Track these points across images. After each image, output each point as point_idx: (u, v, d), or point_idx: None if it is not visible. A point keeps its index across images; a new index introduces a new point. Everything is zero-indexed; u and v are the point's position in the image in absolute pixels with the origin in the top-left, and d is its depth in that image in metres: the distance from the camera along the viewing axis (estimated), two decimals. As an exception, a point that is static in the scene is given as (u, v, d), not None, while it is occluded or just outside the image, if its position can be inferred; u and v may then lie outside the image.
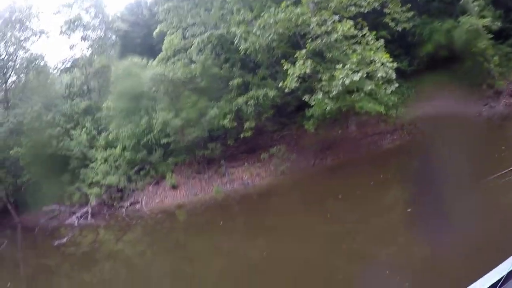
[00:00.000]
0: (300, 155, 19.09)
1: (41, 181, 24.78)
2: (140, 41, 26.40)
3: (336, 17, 15.92)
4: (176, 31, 21.17)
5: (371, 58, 15.47)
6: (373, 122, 20.00)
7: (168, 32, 21.24)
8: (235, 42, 18.28)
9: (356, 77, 14.82)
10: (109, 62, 24.97)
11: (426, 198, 9.95)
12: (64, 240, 19.00)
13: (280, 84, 16.77)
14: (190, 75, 19.48)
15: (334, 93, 15.36)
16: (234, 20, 18.73)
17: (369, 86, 15.41)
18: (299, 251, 9.51)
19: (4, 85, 32.90)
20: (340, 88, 15.11)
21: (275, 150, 18.59)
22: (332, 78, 15.67)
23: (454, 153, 12.79)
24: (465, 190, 9.63)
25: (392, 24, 17.80)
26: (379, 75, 15.20)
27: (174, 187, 19.53)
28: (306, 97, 16.81)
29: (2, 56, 32.71)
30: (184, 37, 21.54)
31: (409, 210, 9.74)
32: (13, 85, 33.02)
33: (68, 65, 30.14)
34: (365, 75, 15.19)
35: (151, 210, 19.13)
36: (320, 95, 16.13)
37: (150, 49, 24.60)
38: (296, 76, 15.88)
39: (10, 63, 32.83)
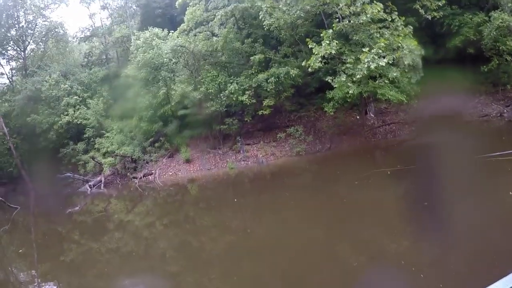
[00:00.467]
0: (317, 138, 18.68)
1: (56, 149, 24.73)
2: (161, 11, 25.80)
3: None
4: (199, 2, 20.62)
5: (399, 44, 14.79)
6: (392, 110, 19.50)
7: (191, 3, 20.67)
8: (260, 17, 17.66)
9: (382, 62, 14.20)
10: (129, 32, 24.49)
11: (442, 193, 9.47)
12: (76, 208, 18.82)
13: (303, 63, 16.13)
14: (211, 49, 18.96)
15: (358, 76, 14.74)
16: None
17: (394, 73, 14.77)
18: (307, 233, 9.12)
19: (23, 53, 32.78)
20: (365, 72, 14.49)
21: (292, 130, 18.11)
22: (357, 61, 15.02)
23: (469, 149, 12.24)
24: (480, 193, 9.14)
25: (421, 11, 17.01)
26: (406, 62, 14.65)
27: (188, 160, 19.14)
28: (329, 79, 16.16)
29: (21, 24, 32.58)
30: (206, 10, 21.01)
31: (425, 203, 9.21)
32: (31, 53, 32.88)
33: (88, 34, 29.68)
34: (391, 61, 14.56)
35: (163, 183, 18.80)
36: (343, 78, 15.42)
37: (170, 20, 24.17)
38: (320, 56, 15.24)
39: (29, 31, 32.68)
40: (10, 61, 34.32)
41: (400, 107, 18.33)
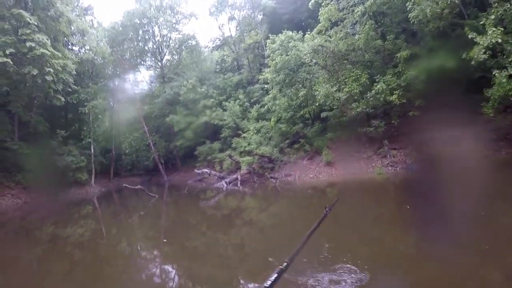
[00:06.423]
0: (471, 144, 14.92)
1: (192, 147, 24.76)
2: (288, 17, 24.04)
3: None
4: (330, 1, 18.32)
5: None
6: None
7: (323, 3, 18.47)
8: (408, 8, 14.79)
9: None
10: (260, 38, 23.32)
11: None
12: (210, 202, 17.74)
13: (464, 56, 12.86)
14: (352, 47, 16.47)
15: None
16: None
17: None
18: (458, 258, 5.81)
19: (160, 62, 34.36)
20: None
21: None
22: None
23: None
24: None
25: None
26: None
27: (329, 163, 16.87)
28: (496, 72, 12.70)
29: (157, 38, 34.15)
30: (339, 9, 18.62)
31: None
32: (167, 63, 34.25)
33: (218, 43, 29.55)
34: None
35: (302, 185, 16.83)
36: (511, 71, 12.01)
37: (297, 26, 22.19)
38: (484, 47, 12.13)
39: (164, 43, 34.11)
40: (148, 70, 36.55)
41: None
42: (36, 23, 19.47)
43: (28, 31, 19.07)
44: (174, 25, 33.31)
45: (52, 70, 19.99)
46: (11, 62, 18.21)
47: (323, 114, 16.84)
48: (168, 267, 7.99)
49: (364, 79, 15.64)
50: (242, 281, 6.58)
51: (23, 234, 13.00)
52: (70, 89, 23.52)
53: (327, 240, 7.55)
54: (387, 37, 16.65)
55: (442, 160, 14.87)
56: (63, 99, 22.71)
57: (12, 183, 20.10)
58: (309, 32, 18.09)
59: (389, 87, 15.02)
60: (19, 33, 19.10)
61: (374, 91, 15.06)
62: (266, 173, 18.07)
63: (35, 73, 19.20)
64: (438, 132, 15.40)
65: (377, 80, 15.37)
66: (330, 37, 17.51)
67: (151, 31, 33.67)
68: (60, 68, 20.75)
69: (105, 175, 28.82)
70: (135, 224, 14.10)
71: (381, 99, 15.01)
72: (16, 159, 20.22)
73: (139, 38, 33.18)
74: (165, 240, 10.82)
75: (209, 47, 31.39)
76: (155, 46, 33.91)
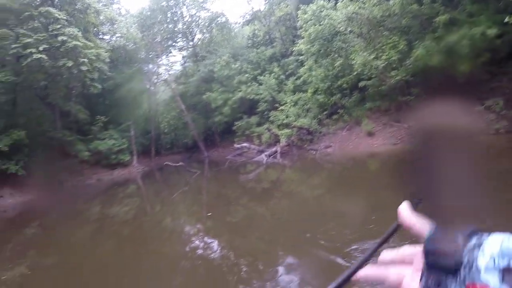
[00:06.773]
0: (516, 113, 14.22)
1: (230, 122, 25.33)
2: (319, -13, 23.26)
3: None
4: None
5: None
6: None
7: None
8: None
9: None
10: (290, 10, 22.95)
11: None
12: (250, 175, 18.15)
13: (507, 19, 12.17)
14: (388, 13, 15.94)
15: None
16: None
17: None
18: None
19: (191, 42, 34.74)
20: None
21: (491, 103, 14.03)
22: None
23: None
24: None
25: None
26: None
27: (370, 134, 16.88)
28: None
29: (186, 19, 34.35)
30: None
31: None
32: (199, 42, 34.56)
33: (248, 18, 29.34)
34: None
35: (342, 156, 17.00)
36: None
37: (329, -6, 21.56)
38: None
39: (194, 23, 34.29)
40: (181, 50, 37.08)
41: None
42: (65, 18, 20.06)
43: (58, 26, 19.75)
44: (201, 4, 33.35)
45: (86, 60, 20.68)
46: (46, 57, 18.88)
47: (361, 84, 16.69)
48: (212, 240, 8.37)
49: (402, 46, 15.24)
50: (281, 253, 6.88)
51: (74, 214, 13.78)
52: (105, 76, 24.22)
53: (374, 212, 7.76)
54: (423, 1, 15.93)
55: (486, 130, 14.46)
56: (100, 86, 23.50)
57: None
58: (341, 0, 17.63)
59: (429, 53, 14.54)
60: (49, 29, 19.80)
61: (413, 58, 14.67)
62: (305, 145, 18.40)
63: (70, 65, 19.92)
64: (481, 100, 14.86)
65: (415, 46, 14.92)
66: (364, 4, 17.00)
67: (179, 12, 33.89)
68: (94, 57, 21.41)
69: (146, 155, 29.74)
70: (179, 200, 14.53)
71: (421, 65, 14.61)
72: (60, 147, 21.34)
73: (168, 20, 33.53)
74: (209, 214, 11.25)
75: (240, 23, 31.36)
76: (185, 27, 34.23)
